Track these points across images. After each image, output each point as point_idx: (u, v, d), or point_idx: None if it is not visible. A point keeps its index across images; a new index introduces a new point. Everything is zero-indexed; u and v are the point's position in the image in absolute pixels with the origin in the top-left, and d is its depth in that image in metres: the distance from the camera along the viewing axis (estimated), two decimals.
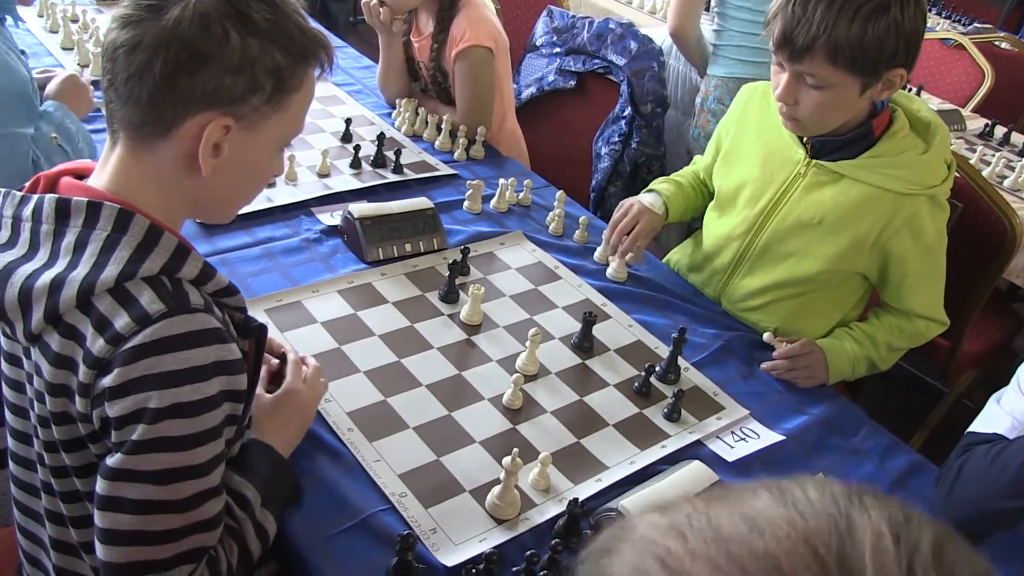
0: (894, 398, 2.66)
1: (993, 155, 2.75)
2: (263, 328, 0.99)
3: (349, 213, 1.60)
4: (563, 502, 1.13)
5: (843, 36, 1.32)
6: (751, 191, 1.61)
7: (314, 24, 0.95)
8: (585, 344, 1.46)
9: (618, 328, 1.54)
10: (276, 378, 1.17)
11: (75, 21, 2.33)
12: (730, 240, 1.65)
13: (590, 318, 1.45)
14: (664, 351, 1.48)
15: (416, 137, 2.12)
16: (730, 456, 1.30)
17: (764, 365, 1.51)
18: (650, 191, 1.76)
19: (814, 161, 1.51)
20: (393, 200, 1.68)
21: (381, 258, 1.58)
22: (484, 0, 2.14)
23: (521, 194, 1.89)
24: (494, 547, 1.05)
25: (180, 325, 0.83)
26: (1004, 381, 1.29)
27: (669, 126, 2.60)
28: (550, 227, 1.81)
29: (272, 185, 1.75)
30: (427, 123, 2.13)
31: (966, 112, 3.19)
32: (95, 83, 1.80)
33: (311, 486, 1.09)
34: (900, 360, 1.64)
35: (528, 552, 1.01)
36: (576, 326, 1.49)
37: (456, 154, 2.05)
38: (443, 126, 2.10)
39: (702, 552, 0.39)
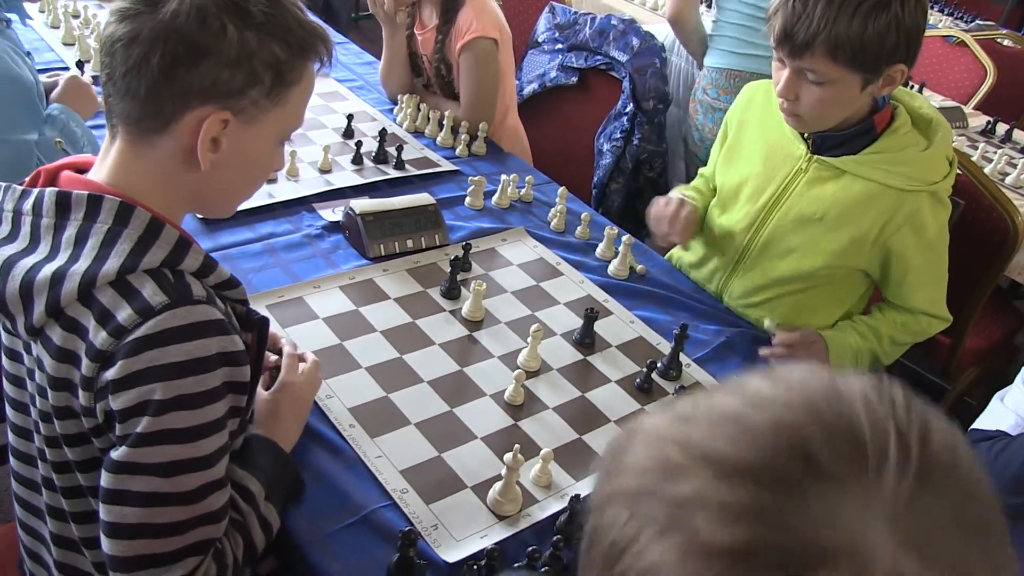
0: None
1: (995, 152, 2.75)
2: (265, 321, 0.99)
3: (351, 209, 1.60)
4: (565, 498, 1.13)
5: (844, 32, 1.31)
6: (753, 187, 1.60)
7: (313, 18, 0.95)
8: (587, 340, 1.46)
9: (620, 324, 1.54)
10: (275, 376, 1.17)
11: (76, 16, 2.33)
12: (732, 236, 1.64)
13: (592, 314, 1.45)
14: (666, 347, 1.48)
15: (418, 133, 2.12)
16: None
17: (763, 351, 1.51)
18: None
19: (815, 157, 1.51)
20: (395, 196, 1.68)
21: (383, 254, 1.58)
22: None
23: (523, 190, 1.89)
24: (495, 543, 1.05)
25: (183, 317, 0.83)
26: (1006, 378, 1.29)
27: (671, 123, 2.61)
28: (552, 223, 1.81)
29: (273, 181, 1.74)
30: (429, 119, 2.13)
31: (968, 109, 3.19)
32: (96, 79, 1.80)
33: (313, 482, 1.09)
34: (901, 357, 1.63)
35: (530, 548, 1.01)
36: (578, 322, 1.49)
37: (458, 150, 2.05)
38: (445, 122, 2.09)
39: (711, 430, 0.45)
